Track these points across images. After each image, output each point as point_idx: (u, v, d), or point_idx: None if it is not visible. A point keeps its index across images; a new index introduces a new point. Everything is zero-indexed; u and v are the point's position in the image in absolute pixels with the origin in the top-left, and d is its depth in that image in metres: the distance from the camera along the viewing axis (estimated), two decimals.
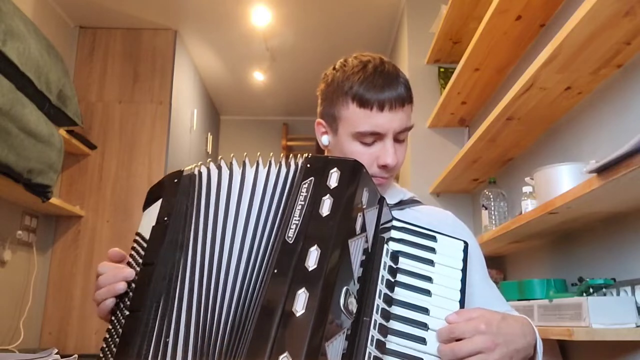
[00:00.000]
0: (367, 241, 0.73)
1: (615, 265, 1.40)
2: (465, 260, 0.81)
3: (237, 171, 0.80)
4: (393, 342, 0.71)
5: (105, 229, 2.99)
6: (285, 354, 0.58)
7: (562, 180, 1.41)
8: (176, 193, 0.81)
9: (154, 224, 0.80)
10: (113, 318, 0.76)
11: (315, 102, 1.03)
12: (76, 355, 1.63)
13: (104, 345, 0.74)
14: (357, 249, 0.70)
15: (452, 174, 2.32)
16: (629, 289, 1.24)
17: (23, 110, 2.03)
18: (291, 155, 0.80)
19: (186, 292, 0.71)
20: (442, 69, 2.71)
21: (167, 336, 0.68)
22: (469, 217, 2.62)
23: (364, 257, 0.72)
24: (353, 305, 0.66)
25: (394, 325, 0.72)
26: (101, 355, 0.73)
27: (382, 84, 0.89)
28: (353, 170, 0.74)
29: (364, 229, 0.73)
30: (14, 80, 2.01)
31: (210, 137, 4.37)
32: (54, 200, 2.47)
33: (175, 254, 0.75)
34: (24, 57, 2.04)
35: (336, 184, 0.72)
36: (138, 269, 0.77)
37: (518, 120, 1.74)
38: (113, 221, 3.00)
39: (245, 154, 0.82)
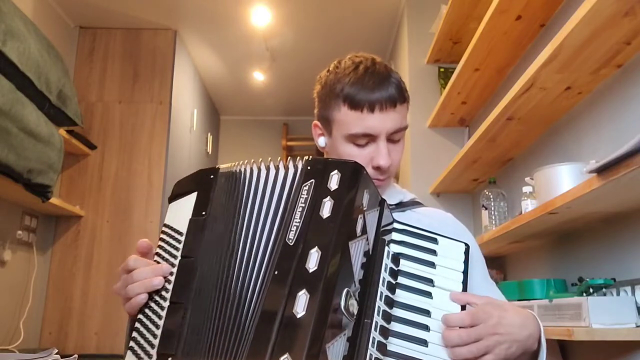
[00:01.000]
0: (368, 243, 0.74)
1: (615, 265, 1.40)
2: (466, 263, 0.81)
3: (254, 173, 0.80)
4: (394, 344, 0.71)
5: (105, 229, 2.99)
6: (285, 356, 0.58)
7: (562, 180, 1.41)
8: (213, 188, 0.81)
9: (187, 216, 0.80)
10: (147, 311, 0.74)
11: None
12: (76, 355, 1.63)
13: (136, 336, 0.73)
14: (357, 251, 0.70)
15: (452, 174, 2.32)
16: (629, 289, 1.24)
17: (23, 110, 2.03)
18: (289, 158, 0.81)
19: (212, 290, 0.72)
20: (442, 69, 2.71)
21: (200, 332, 0.69)
22: (469, 217, 2.62)
23: (364, 259, 0.72)
24: (354, 307, 0.66)
25: (395, 327, 0.73)
26: (134, 347, 0.72)
27: (372, 85, 0.89)
28: (353, 172, 0.74)
29: (364, 231, 0.73)
30: (14, 80, 2.01)
31: (210, 137, 4.37)
32: (54, 200, 2.47)
33: (211, 251, 0.75)
34: (24, 57, 2.04)
35: (337, 186, 0.72)
36: (171, 259, 0.77)
37: (518, 120, 1.74)
38: (113, 221, 3.00)
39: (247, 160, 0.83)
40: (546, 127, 1.81)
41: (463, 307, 0.76)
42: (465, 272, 0.80)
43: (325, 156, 1.02)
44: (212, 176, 0.83)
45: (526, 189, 1.67)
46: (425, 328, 0.73)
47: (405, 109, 0.94)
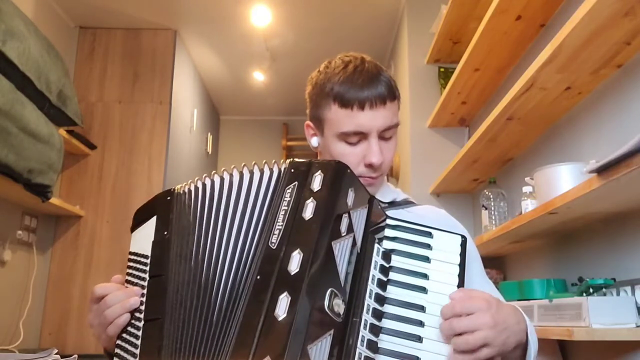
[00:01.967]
0: (355, 241, 0.73)
1: (615, 265, 1.40)
2: (462, 255, 0.79)
3: (226, 181, 0.82)
4: (387, 341, 0.71)
5: (105, 229, 2.99)
6: (266, 358, 0.59)
7: (562, 180, 1.41)
8: (172, 209, 0.84)
9: (150, 240, 0.82)
10: (124, 335, 0.77)
11: None
12: (76, 356, 1.63)
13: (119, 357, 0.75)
14: (343, 250, 0.70)
15: (452, 174, 2.32)
16: (629, 289, 1.24)
17: (23, 110, 2.03)
18: (274, 160, 0.82)
19: (189, 301, 0.73)
20: (442, 69, 2.71)
21: (180, 341, 0.71)
22: (469, 217, 2.62)
23: (352, 258, 0.72)
24: (339, 307, 0.66)
25: (388, 324, 0.72)
26: None
27: (361, 83, 0.89)
28: (336, 172, 0.75)
29: (350, 229, 0.73)
30: (14, 80, 2.01)
31: (210, 137, 4.37)
32: (53, 200, 2.47)
33: (181, 265, 0.77)
34: (24, 57, 2.04)
35: (319, 187, 0.73)
36: (141, 282, 0.79)
37: (518, 120, 1.74)
38: (113, 221, 3.00)
39: (243, 164, 0.84)
40: (546, 127, 1.81)
41: None
42: (462, 265, 0.78)
43: (318, 156, 1.03)
44: (169, 198, 0.86)
45: (526, 189, 1.67)
46: (420, 324, 0.72)
47: (396, 106, 0.94)
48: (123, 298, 0.77)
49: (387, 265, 0.77)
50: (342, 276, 0.69)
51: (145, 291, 0.78)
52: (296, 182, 0.75)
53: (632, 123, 1.34)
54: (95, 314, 0.80)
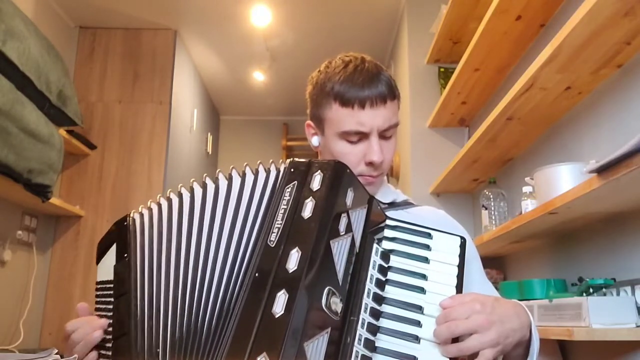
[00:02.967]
0: (353, 241, 0.74)
1: (615, 265, 1.40)
2: (461, 256, 0.80)
3: (222, 183, 0.82)
4: (385, 341, 0.71)
5: (105, 229, 2.93)
6: (263, 355, 0.59)
7: (562, 180, 1.41)
8: (129, 231, 0.87)
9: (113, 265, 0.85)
10: None
11: None
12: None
13: None
14: (341, 249, 0.71)
15: (452, 174, 2.32)
16: (629, 289, 1.24)
17: (23, 110, 2.03)
18: (271, 161, 0.82)
19: (170, 304, 0.74)
20: (442, 69, 2.71)
21: (157, 346, 0.71)
22: (469, 217, 2.62)
23: (350, 257, 0.72)
24: (337, 305, 0.66)
25: (386, 323, 0.72)
26: None
27: (362, 82, 0.90)
28: (335, 172, 0.75)
29: (349, 229, 0.73)
30: (14, 80, 2.01)
31: (210, 137, 4.37)
32: (54, 200, 2.47)
33: (154, 275, 0.78)
34: (24, 57, 2.04)
35: (318, 187, 0.73)
36: (109, 306, 0.81)
37: (518, 120, 1.74)
38: (113, 221, 2.96)
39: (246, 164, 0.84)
40: (546, 127, 1.81)
41: None
42: (461, 266, 0.78)
43: (319, 155, 1.04)
44: (125, 223, 0.89)
45: (526, 189, 1.67)
46: (417, 324, 0.72)
47: (396, 105, 0.95)
48: (87, 333, 0.80)
49: (386, 265, 0.77)
50: (340, 275, 0.69)
51: (112, 313, 0.80)
52: (296, 182, 0.75)
53: (632, 123, 1.34)
54: (67, 352, 0.83)
